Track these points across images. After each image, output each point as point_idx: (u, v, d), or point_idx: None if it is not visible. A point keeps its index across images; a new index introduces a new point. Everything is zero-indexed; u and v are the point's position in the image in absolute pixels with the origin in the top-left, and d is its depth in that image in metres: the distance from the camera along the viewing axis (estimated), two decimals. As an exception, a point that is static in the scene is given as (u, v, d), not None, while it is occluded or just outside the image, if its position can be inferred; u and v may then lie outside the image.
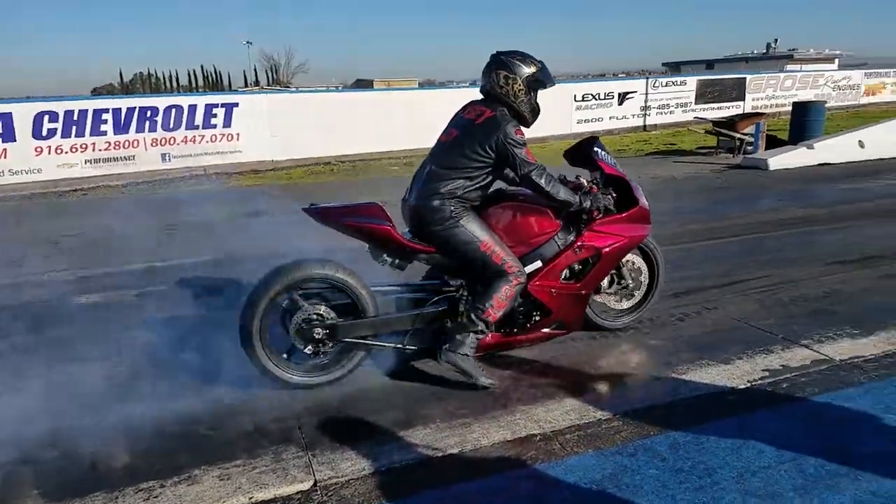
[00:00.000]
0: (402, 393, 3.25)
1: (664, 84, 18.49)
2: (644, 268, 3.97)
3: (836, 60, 55.33)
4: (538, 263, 3.43)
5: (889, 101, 25.37)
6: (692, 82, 19.25)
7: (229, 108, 12.35)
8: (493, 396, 3.17)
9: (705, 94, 19.42)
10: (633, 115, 17.85)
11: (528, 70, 3.24)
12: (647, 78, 18.68)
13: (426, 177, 3.25)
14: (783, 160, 10.59)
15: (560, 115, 16.10)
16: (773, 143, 12.18)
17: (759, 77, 21.72)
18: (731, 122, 12.26)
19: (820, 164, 10.69)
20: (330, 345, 3.19)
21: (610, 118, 17.27)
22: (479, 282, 3.28)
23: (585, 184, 3.54)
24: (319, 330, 3.13)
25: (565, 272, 3.51)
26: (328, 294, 3.22)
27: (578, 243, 3.47)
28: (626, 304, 3.99)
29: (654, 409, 3.02)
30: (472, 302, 3.25)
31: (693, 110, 19.15)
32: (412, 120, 13.69)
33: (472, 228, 3.18)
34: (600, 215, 3.46)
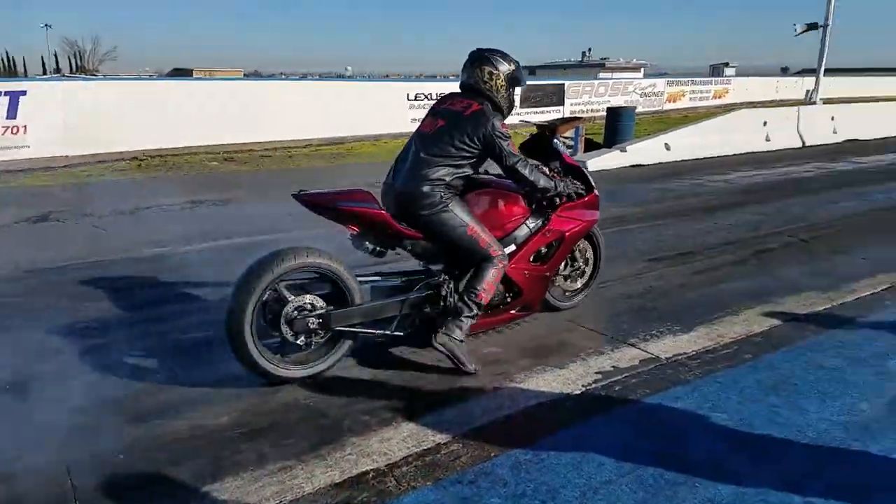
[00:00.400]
0: (205, 435, 2.78)
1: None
2: (590, 249, 4.34)
3: (642, 70, 61.17)
4: (512, 247, 3.65)
5: (687, 106, 28.24)
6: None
7: (14, 96, 10.71)
8: (320, 429, 2.83)
9: (529, 98, 20.30)
10: (464, 115, 18.17)
11: (508, 67, 3.46)
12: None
13: (415, 163, 3.36)
14: (600, 162, 11.23)
15: (394, 113, 15.98)
16: (590, 146, 12.92)
17: (577, 83, 23.12)
18: (553, 126, 12.78)
19: (633, 166, 11.47)
20: (322, 335, 3.18)
21: (441, 118, 17.43)
22: (460, 266, 3.47)
23: (548, 172, 3.77)
24: (313, 319, 3.12)
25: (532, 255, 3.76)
26: (311, 284, 3.20)
27: (547, 228, 3.76)
28: (577, 285, 4.31)
29: (493, 425, 2.86)
30: (466, 287, 3.40)
31: (518, 113, 19.89)
32: (235, 112, 12.84)
33: (460, 213, 3.35)
34: (568, 201, 3.78)
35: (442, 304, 3.43)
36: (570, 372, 3.38)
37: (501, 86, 3.44)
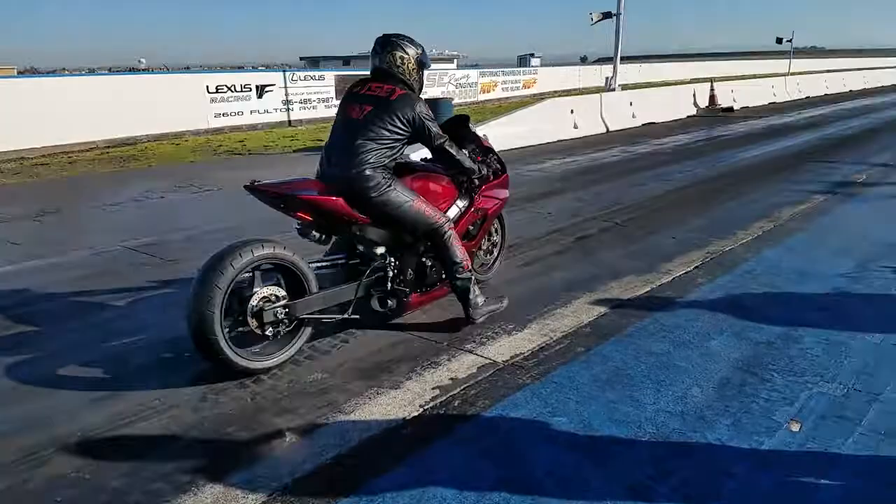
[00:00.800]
0: None
1: (302, 78, 18.30)
2: (497, 222, 4.68)
3: (455, 61, 62.85)
4: None
5: (500, 97, 29.32)
6: (330, 77, 19.45)
7: None
8: (99, 507, 2.28)
9: (344, 89, 19.86)
10: (276, 110, 17.31)
11: (416, 51, 3.61)
12: (285, 71, 18.29)
13: (351, 150, 3.42)
14: (421, 156, 11.14)
15: (193, 108, 14.78)
16: (412, 137, 12.84)
17: (393, 74, 23.04)
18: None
19: (454, 156, 11.54)
20: (287, 324, 3.25)
21: (251, 112, 16.43)
22: (403, 248, 3.72)
23: (468, 154, 4.04)
24: (280, 310, 3.19)
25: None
26: (266, 275, 3.23)
27: (474, 207, 4.10)
28: (493, 256, 4.69)
29: (316, 473, 2.48)
30: (448, 271, 3.72)
31: (335, 105, 19.39)
32: (4, 114, 11.12)
33: (402, 191, 3.53)
34: (489, 181, 4.16)
35: (389, 284, 3.68)
36: (406, 391, 3.09)
37: (413, 69, 3.62)
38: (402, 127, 3.47)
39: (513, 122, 13.20)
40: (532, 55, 68.22)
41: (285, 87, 17.72)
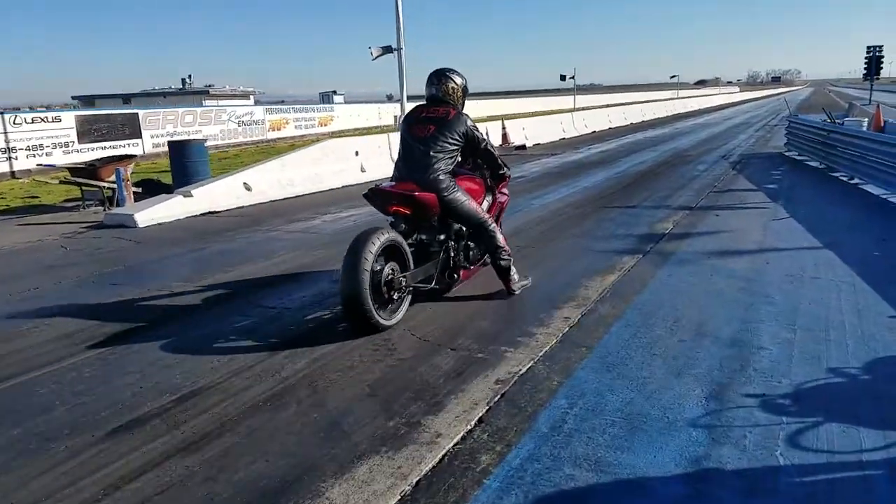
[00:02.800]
0: None
1: (29, 120, 14.78)
2: None
3: (252, 97, 59.44)
4: None
5: (294, 135, 27.03)
6: (69, 118, 16.05)
7: None
8: None
9: (90, 131, 16.49)
10: (-2, 159, 13.74)
11: (462, 80, 4.83)
12: (4, 113, 14.65)
13: (425, 160, 4.47)
14: (155, 213, 8.59)
15: None
16: (153, 188, 10.20)
17: (155, 112, 19.93)
18: (92, 169, 9.72)
19: (204, 214, 9.13)
20: (403, 291, 4.26)
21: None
22: (457, 236, 4.80)
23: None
24: (402, 279, 4.22)
25: None
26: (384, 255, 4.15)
27: (495, 201, 5.33)
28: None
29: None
30: (492, 255, 4.79)
31: (78, 150, 15.99)
32: None
33: (462, 193, 4.62)
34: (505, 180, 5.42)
35: (452, 262, 4.74)
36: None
37: (460, 95, 4.80)
38: (459, 139, 4.59)
39: (284, 167, 11.06)
40: (335, 92, 66.82)
41: (5, 132, 14.14)
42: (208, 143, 22.98)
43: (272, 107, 27.37)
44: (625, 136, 22.32)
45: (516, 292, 4.83)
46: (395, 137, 14.74)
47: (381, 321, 4.07)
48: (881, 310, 4.31)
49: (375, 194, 4.53)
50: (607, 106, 40.88)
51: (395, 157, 12.19)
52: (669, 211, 8.20)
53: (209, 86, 56.78)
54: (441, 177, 4.47)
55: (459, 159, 4.72)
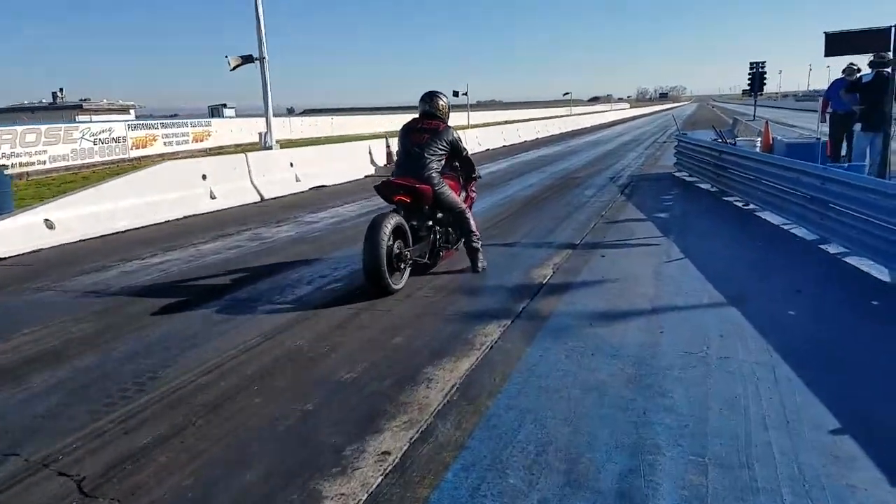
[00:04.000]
0: None
1: None
2: None
3: (133, 111, 55.24)
4: None
5: (162, 152, 24.51)
6: None
7: None
8: None
9: None
10: None
11: (448, 100, 6.23)
12: None
13: (420, 161, 5.64)
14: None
15: None
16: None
17: (-19, 129, 17.18)
18: None
19: (-11, 261, 7.11)
20: (407, 262, 5.47)
21: None
22: (442, 221, 6.00)
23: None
24: (407, 253, 5.44)
25: None
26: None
27: (468, 197, 6.48)
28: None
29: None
30: (465, 236, 5.99)
31: None
32: None
33: (448, 187, 5.84)
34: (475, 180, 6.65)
35: (437, 243, 6.00)
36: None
37: (447, 111, 6.10)
38: (447, 146, 5.81)
39: (102, 198, 9.08)
40: (224, 105, 63.30)
41: None
42: (55, 165, 20.33)
43: (136, 122, 24.74)
44: (517, 155, 21.42)
45: (480, 270, 5.97)
46: (257, 158, 13.02)
47: (393, 285, 5.24)
48: (816, 419, 3.10)
49: (384, 186, 5.65)
50: (503, 123, 40.43)
51: (254, 180, 11.64)
52: (551, 250, 6.96)
53: (84, 100, 52.27)
54: (434, 174, 5.68)
55: (445, 162, 5.92)
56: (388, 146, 17.11)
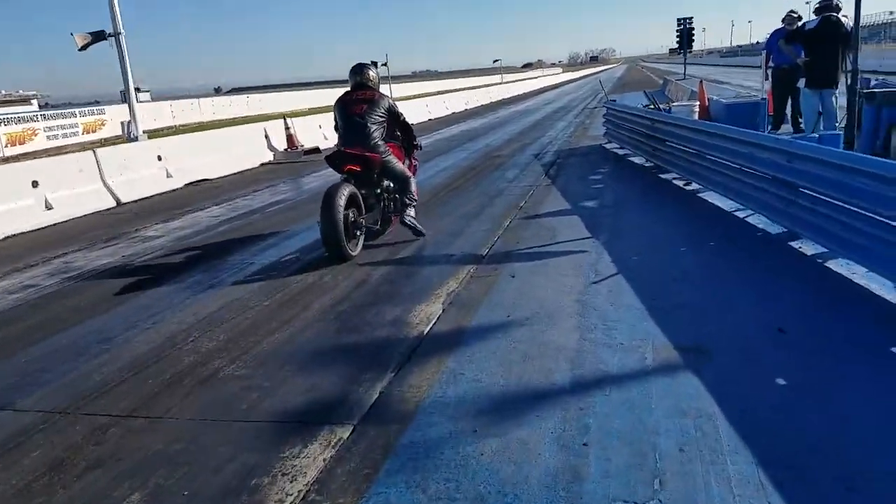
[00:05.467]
0: None
1: None
2: None
3: (34, 101, 50.66)
4: None
5: (45, 147, 21.64)
6: None
7: None
8: None
9: None
10: None
11: (377, 72, 6.38)
12: None
13: (364, 131, 5.76)
14: None
15: None
16: None
17: None
18: None
19: None
20: (362, 230, 5.62)
21: None
22: (390, 188, 6.03)
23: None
24: (361, 221, 5.58)
25: None
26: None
27: (411, 164, 6.57)
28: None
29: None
30: (406, 195, 6.03)
31: None
32: None
33: (393, 155, 5.99)
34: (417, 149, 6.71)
35: (392, 206, 6.06)
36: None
37: (377, 82, 6.20)
38: (384, 113, 5.90)
39: None
40: (139, 89, 58.93)
41: None
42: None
43: (9, 114, 21.76)
44: (440, 130, 19.54)
45: (409, 222, 6.00)
46: (112, 153, 10.77)
47: (350, 252, 5.44)
48: None
49: (335, 156, 5.77)
50: (429, 94, 38.37)
51: (108, 181, 10.04)
52: (449, 267, 5.20)
53: (-23, 89, 47.48)
54: (379, 143, 5.83)
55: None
56: (287, 128, 14.97)
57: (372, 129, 5.76)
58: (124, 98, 53.04)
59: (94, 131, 24.38)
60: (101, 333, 4.28)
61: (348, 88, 6.14)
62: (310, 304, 4.57)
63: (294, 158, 14.42)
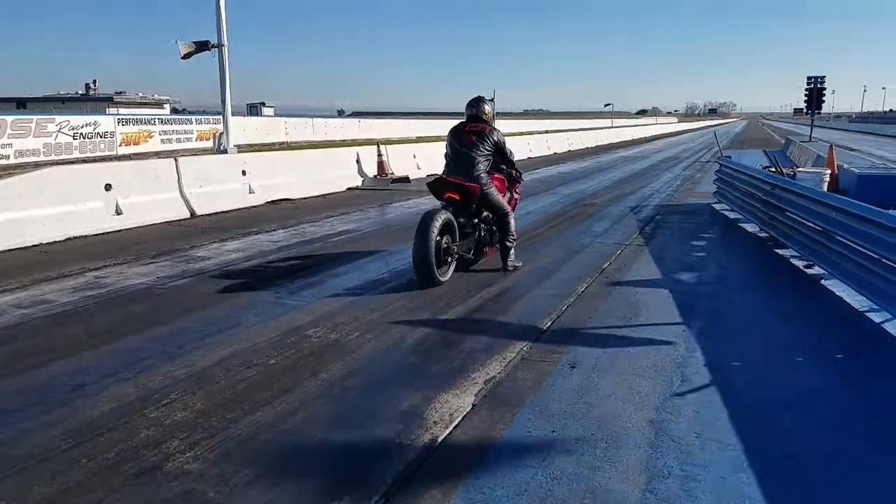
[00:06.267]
0: None
1: None
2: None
3: (167, 105, 54.05)
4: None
5: (158, 150, 22.48)
6: None
7: None
8: None
9: None
10: None
11: (493, 104, 6.46)
12: None
13: (468, 162, 5.84)
14: None
15: None
16: None
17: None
18: None
19: None
20: (454, 256, 5.67)
21: None
22: (487, 221, 6.11)
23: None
24: (454, 248, 5.64)
25: None
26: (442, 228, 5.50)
27: (512, 197, 6.69)
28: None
29: None
30: (503, 234, 6.12)
31: None
32: None
33: (495, 187, 6.02)
34: (519, 182, 6.89)
35: (488, 237, 6.15)
36: None
37: (493, 116, 6.30)
38: (493, 148, 5.97)
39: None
40: (263, 104, 61.78)
41: None
42: (25, 160, 18.29)
43: (128, 115, 22.79)
44: (536, 170, 18.57)
45: (510, 269, 6.11)
46: (194, 163, 10.56)
47: (439, 278, 5.45)
48: None
49: (436, 183, 5.88)
50: (531, 133, 37.59)
51: (186, 191, 9.80)
52: (498, 342, 4.23)
53: (119, 92, 51.26)
54: (482, 174, 5.86)
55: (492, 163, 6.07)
56: (379, 154, 14.52)
57: (477, 161, 5.86)
58: (249, 111, 55.29)
59: (207, 139, 25.17)
60: (73, 379, 3.62)
61: (463, 119, 6.26)
62: (317, 372, 3.73)
63: (382, 186, 13.91)
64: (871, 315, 4.91)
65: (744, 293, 5.65)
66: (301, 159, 12.91)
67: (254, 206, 10.66)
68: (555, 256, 6.99)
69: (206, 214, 9.76)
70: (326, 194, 12.50)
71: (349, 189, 13.37)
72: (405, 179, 14.67)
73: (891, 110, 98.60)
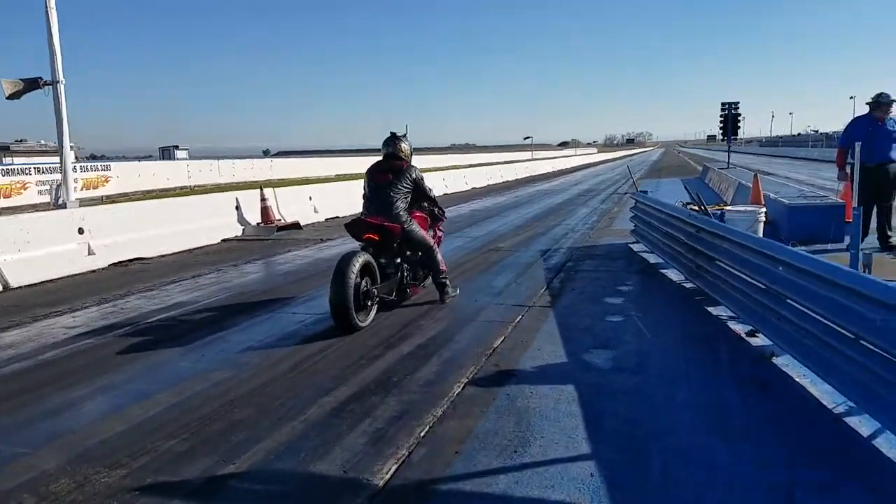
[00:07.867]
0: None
1: None
2: None
3: (73, 153, 50.41)
4: None
5: (34, 202, 19.88)
6: None
7: None
8: None
9: None
10: None
11: (409, 143, 6.18)
12: None
13: (388, 200, 5.76)
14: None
15: None
16: None
17: None
18: None
19: None
20: (374, 300, 5.37)
21: None
22: (409, 259, 6.03)
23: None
24: (374, 291, 5.35)
25: None
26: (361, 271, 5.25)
27: (435, 235, 6.57)
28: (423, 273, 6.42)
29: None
30: (434, 273, 6.12)
31: None
32: None
33: (417, 224, 5.97)
34: (441, 220, 6.82)
35: (405, 280, 5.97)
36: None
37: (410, 152, 6.13)
38: (411, 184, 5.89)
39: None
40: (176, 147, 58.72)
41: None
42: None
43: (6, 167, 20.16)
44: (449, 209, 16.99)
45: (447, 302, 6.07)
46: (5, 222, 8.45)
47: (359, 323, 5.14)
48: None
49: (354, 224, 5.68)
50: (459, 167, 36.52)
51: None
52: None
53: (19, 140, 47.39)
54: (401, 213, 5.77)
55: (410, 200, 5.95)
56: (263, 199, 12.64)
57: (395, 199, 5.78)
58: (162, 155, 52.05)
59: (94, 188, 22.67)
60: None
61: (380, 158, 6.16)
62: None
63: (265, 235, 12.02)
64: (846, 415, 3.44)
65: (672, 388, 4.06)
66: (164, 208, 10.88)
67: (92, 271, 8.61)
68: (437, 330, 5.32)
69: (25, 286, 7.68)
70: (195, 248, 10.54)
71: (224, 241, 11.43)
72: (295, 226, 12.85)
73: (798, 134, 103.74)
